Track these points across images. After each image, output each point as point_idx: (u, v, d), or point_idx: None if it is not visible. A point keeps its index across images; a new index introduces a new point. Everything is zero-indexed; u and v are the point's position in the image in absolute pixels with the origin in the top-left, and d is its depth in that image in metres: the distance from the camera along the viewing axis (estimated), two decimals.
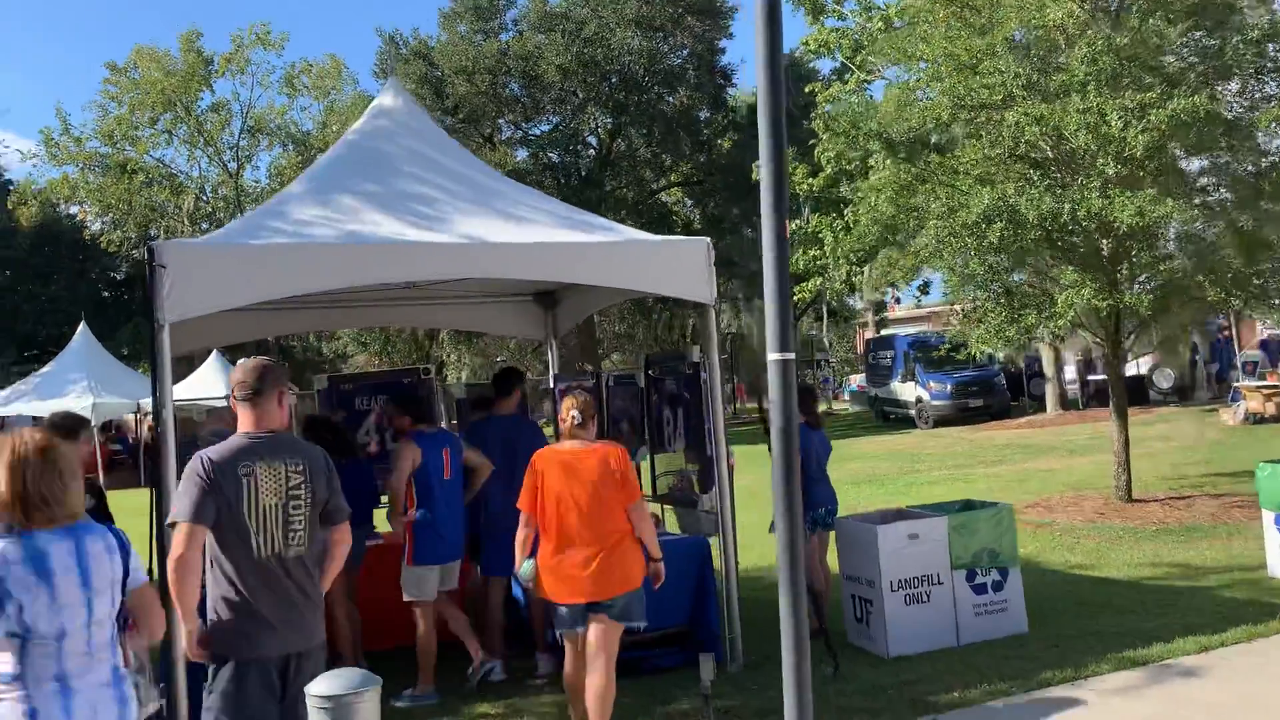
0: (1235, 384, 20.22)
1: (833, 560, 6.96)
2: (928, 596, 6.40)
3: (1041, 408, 26.00)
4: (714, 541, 6.63)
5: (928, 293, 35.16)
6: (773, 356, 4.48)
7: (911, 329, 34.31)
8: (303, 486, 3.66)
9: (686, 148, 30.41)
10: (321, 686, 2.92)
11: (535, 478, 4.97)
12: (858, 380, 40.72)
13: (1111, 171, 9.36)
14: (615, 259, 6.10)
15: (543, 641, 6.52)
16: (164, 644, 4.85)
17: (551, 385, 8.80)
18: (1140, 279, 9.33)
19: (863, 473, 16.21)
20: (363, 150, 6.51)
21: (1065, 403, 25.02)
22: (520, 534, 5.03)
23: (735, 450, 6.43)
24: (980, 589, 6.51)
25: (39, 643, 2.78)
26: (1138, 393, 25.38)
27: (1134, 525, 9.80)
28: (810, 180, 24.61)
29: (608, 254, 6.09)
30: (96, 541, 2.93)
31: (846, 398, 42.33)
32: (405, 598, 6.06)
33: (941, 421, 25.25)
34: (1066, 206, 9.17)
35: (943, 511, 6.84)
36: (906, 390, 27.01)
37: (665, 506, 7.38)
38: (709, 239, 6.36)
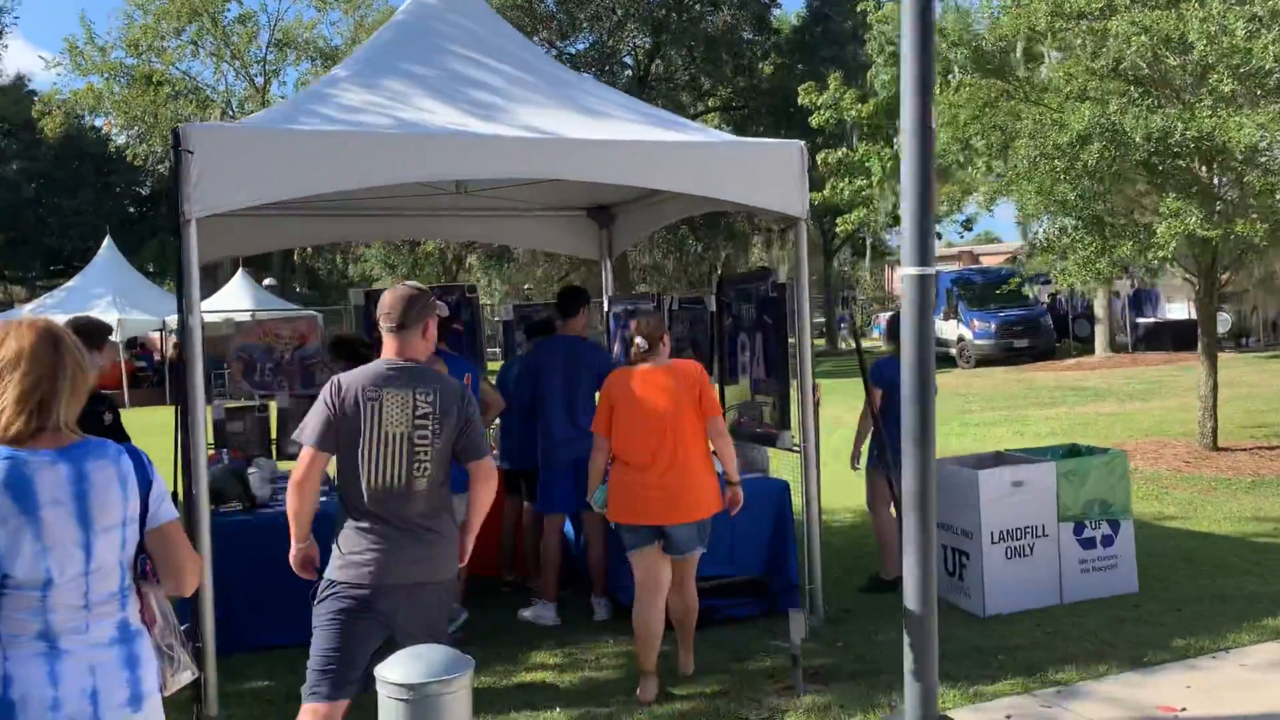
0: None
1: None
2: (1031, 550, 5.76)
3: (1087, 350, 25.18)
4: (791, 480, 6.02)
5: (971, 229, 34.23)
6: (910, 271, 3.79)
7: (944, 267, 33.33)
8: (429, 418, 3.48)
9: (728, 70, 29.27)
10: (398, 671, 2.29)
11: (609, 399, 4.71)
12: (884, 317, 39.90)
13: (1229, 89, 8.47)
14: (701, 162, 5.37)
15: (602, 585, 5.99)
16: (194, 599, 4.32)
17: (606, 309, 8.13)
18: (1253, 207, 8.47)
19: None
20: (413, 31, 5.76)
21: (1115, 345, 24.16)
22: (595, 459, 4.76)
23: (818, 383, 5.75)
24: (1089, 543, 5.86)
25: (16, 593, 2.17)
26: (1187, 337, 24.52)
27: (1226, 476, 9.12)
28: (860, 106, 23.57)
29: (693, 156, 5.36)
30: (105, 468, 2.28)
31: (876, 335, 41.54)
32: None
33: (984, 361, 24.48)
34: (1179, 125, 8.31)
35: (1047, 456, 6.17)
36: (948, 328, 26.17)
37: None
38: (803, 142, 5.61)
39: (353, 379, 3.51)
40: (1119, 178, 9.05)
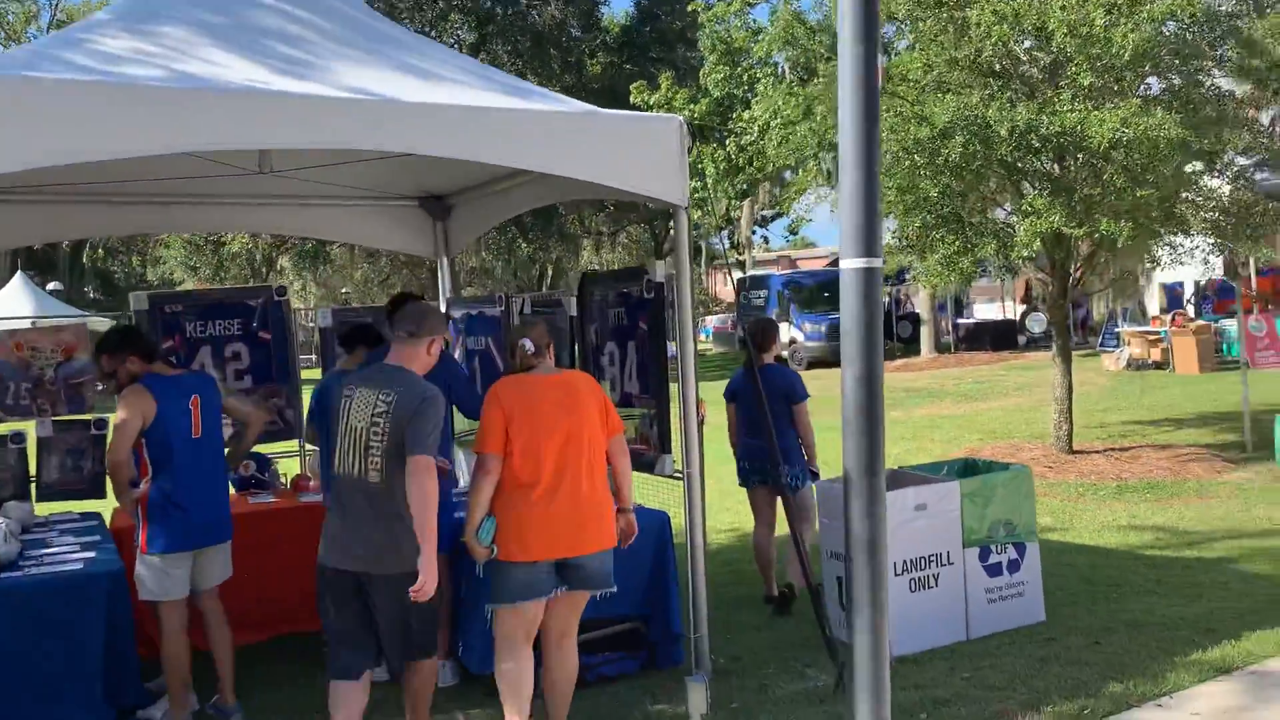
0: (1116, 329, 20.05)
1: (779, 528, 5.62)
2: (936, 580, 5.14)
3: (911, 350, 25.64)
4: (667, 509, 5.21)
5: (797, 232, 34.61)
6: (853, 263, 3.02)
7: (767, 271, 33.52)
8: (384, 417, 3.73)
9: (556, 66, 28.38)
10: None
11: (502, 410, 3.93)
12: (713, 320, 39.98)
13: (1087, 81, 8.22)
14: (564, 137, 4.46)
15: (445, 643, 5.03)
16: None
17: (445, 312, 7.10)
18: (1111, 204, 8.24)
19: None
20: None
21: (939, 345, 24.65)
22: (482, 485, 3.91)
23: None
24: (995, 570, 5.29)
25: None
26: (1005, 337, 25.33)
27: (1090, 481, 8.90)
28: (692, 106, 23.16)
29: (555, 129, 4.45)
30: None
31: (704, 337, 41.57)
32: (141, 596, 4.56)
33: (816, 363, 24.47)
34: (1043, 119, 7.99)
35: (944, 473, 5.58)
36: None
37: None
38: (682, 118, 4.80)
39: (345, 374, 4.22)
40: (979, 174, 8.69)
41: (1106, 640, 4.99)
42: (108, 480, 4.76)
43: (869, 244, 2.95)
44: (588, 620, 4.67)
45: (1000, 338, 24.94)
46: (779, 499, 6.00)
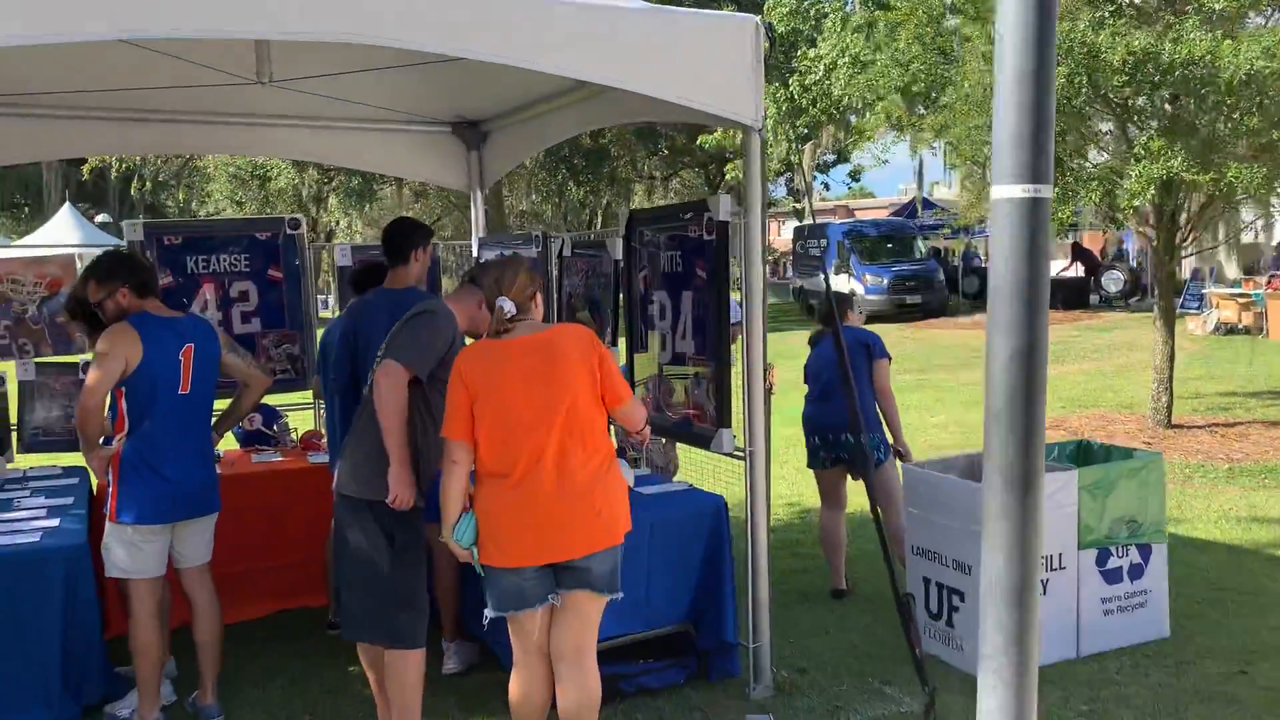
0: (1201, 290, 18.75)
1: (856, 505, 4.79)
2: (1044, 587, 4.31)
3: (977, 306, 24.43)
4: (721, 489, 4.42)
5: (859, 179, 33.28)
6: (1010, 191, 2.16)
7: (825, 220, 32.23)
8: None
9: None
10: None
11: (464, 387, 3.18)
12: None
13: (1220, 5, 7.13)
14: (629, 41, 3.62)
15: (452, 624, 4.38)
16: None
17: (475, 253, 6.32)
18: (1244, 147, 7.18)
19: None
20: None
21: None
22: (450, 478, 3.20)
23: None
24: (1113, 575, 4.44)
25: None
26: (1077, 296, 24.01)
27: (1197, 461, 7.93)
28: None
29: (620, 30, 3.60)
30: None
31: None
32: (108, 572, 3.92)
33: (875, 317, 23.33)
34: (1166, 47, 6.93)
35: (1054, 457, 4.72)
36: (838, 282, 25.05)
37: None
38: (758, 18, 3.92)
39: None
40: (1081, 112, 7.66)
41: (1255, 668, 4.13)
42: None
43: (1036, 163, 2.08)
44: (623, 634, 3.94)
45: (1072, 296, 23.63)
46: (851, 480, 5.20)
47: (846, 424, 4.92)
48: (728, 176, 25.10)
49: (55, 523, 4.20)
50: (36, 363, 5.50)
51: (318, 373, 4.99)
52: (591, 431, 3.18)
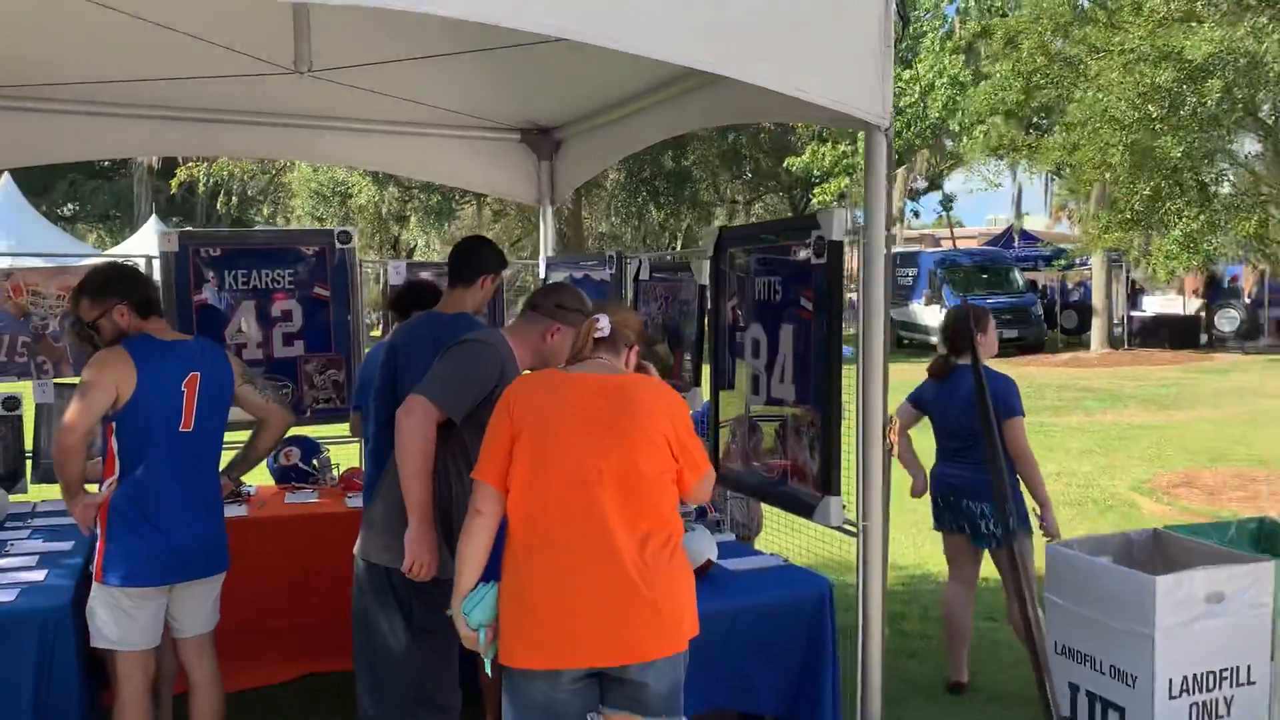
0: None
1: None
2: (1228, 707, 3.44)
3: (1074, 343, 23.14)
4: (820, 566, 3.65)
5: (950, 207, 32.10)
6: None
7: (915, 248, 31.03)
8: None
9: None
10: None
11: (507, 420, 2.56)
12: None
13: None
14: (739, 19, 2.91)
15: (497, 708, 3.68)
16: None
17: (542, 274, 5.67)
18: None
19: None
20: None
21: (1112, 339, 22.08)
22: (470, 531, 2.55)
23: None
24: None
25: None
26: (1186, 335, 22.56)
27: None
28: None
29: (728, 6, 2.90)
30: None
31: None
32: (93, 641, 3.30)
33: None
34: None
35: (1217, 538, 3.84)
36: (928, 314, 23.90)
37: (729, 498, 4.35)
38: None
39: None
40: (1234, 128, 6.72)
41: None
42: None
43: None
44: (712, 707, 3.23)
45: (1180, 335, 22.21)
46: (985, 552, 4.38)
47: (973, 490, 4.14)
48: (815, 201, 24.25)
49: (42, 575, 3.60)
50: (56, 384, 4.98)
51: (355, 406, 4.36)
52: (657, 503, 2.51)
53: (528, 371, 2.96)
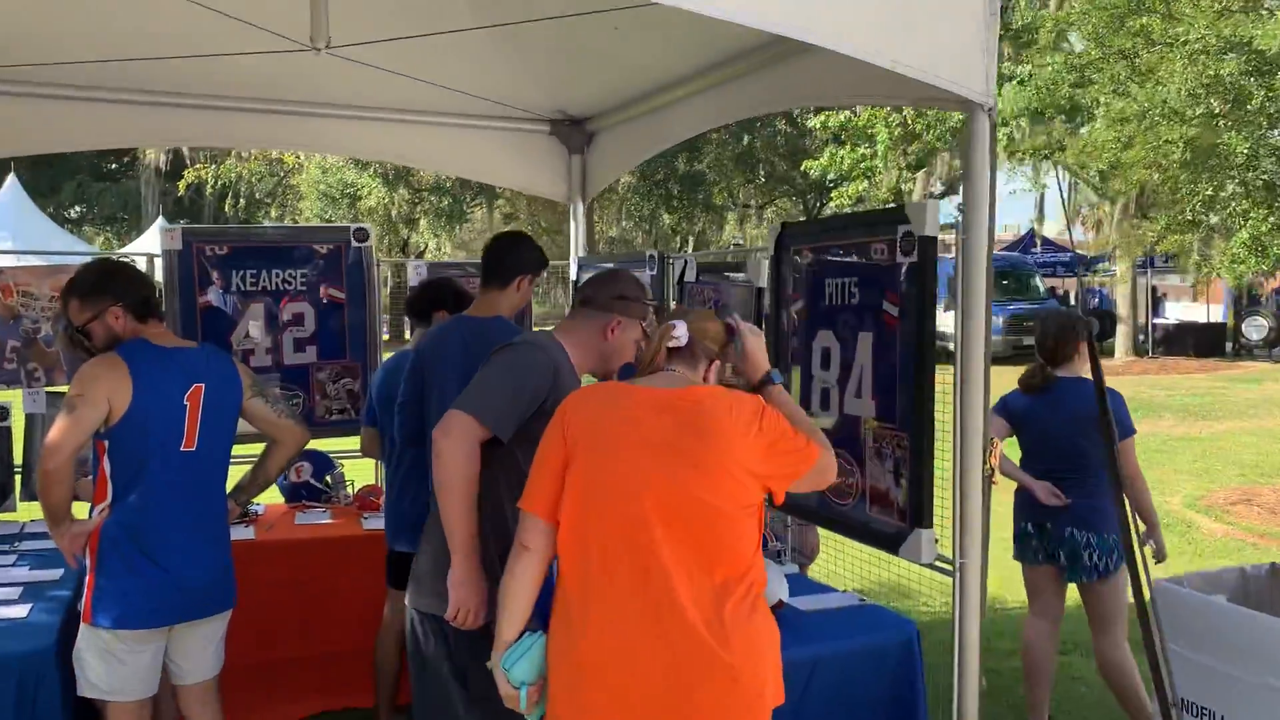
0: None
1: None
2: None
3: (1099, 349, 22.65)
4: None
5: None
6: None
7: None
8: None
9: None
10: None
11: (560, 439, 2.19)
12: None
13: None
14: None
15: None
16: None
17: (574, 276, 5.27)
18: None
19: None
20: None
21: (1136, 347, 21.60)
22: (515, 571, 2.19)
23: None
24: None
25: None
26: (1211, 343, 22.08)
27: None
28: None
29: None
30: None
31: None
32: (80, 690, 2.90)
33: (992, 360, 21.82)
34: None
35: None
36: (948, 320, 23.36)
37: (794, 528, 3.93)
38: None
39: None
40: None
41: None
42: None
43: None
44: None
45: (1205, 343, 21.73)
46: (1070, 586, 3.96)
47: (1076, 517, 3.74)
48: (832, 205, 23.82)
49: (24, 611, 3.21)
50: (49, 392, 4.59)
51: (367, 422, 3.96)
52: (734, 544, 2.10)
53: (590, 381, 2.57)
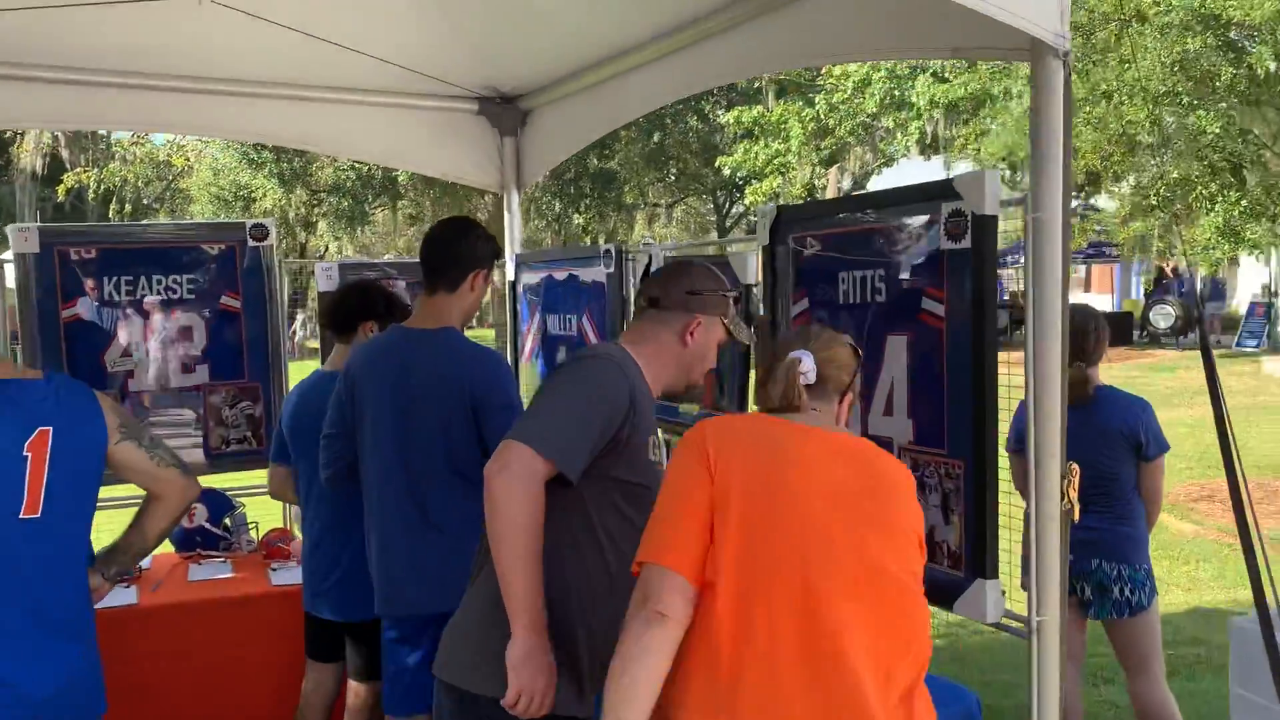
0: (1263, 324, 17.09)
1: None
2: None
3: (1006, 344, 22.77)
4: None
5: None
6: None
7: None
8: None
9: None
10: None
11: (704, 484, 1.73)
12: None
13: None
14: None
15: None
16: None
17: (511, 276, 4.61)
18: None
19: None
20: None
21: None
22: (651, 643, 1.65)
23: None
24: None
25: None
26: (1122, 333, 22.34)
27: None
28: None
29: None
30: None
31: None
32: None
33: None
34: None
35: None
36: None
37: None
38: None
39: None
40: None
41: None
42: None
43: None
44: None
45: (1115, 333, 21.94)
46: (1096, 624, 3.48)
47: (1105, 547, 3.26)
48: (748, 201, 23.49)
49: None
50: None
51: (276, 458, 3.26)
52: (922, 625, 1.79)
53: (705, 413, 2.10)
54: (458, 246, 2.63)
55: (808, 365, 1.89)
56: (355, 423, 2.62)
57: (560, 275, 4.24)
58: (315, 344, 6.36)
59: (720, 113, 23.37)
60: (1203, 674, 4.64)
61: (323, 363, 3.33)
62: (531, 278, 4.45)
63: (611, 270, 3.87)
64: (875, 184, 29.86)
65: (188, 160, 27.25)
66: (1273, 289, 17.31)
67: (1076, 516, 2.34)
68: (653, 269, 3.72)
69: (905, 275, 2.55)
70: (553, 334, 4.30)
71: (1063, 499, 2.29)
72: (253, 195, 24.20)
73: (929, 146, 20.60)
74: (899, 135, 20.23)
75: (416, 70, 4.06)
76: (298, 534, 4.10)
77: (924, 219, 2.48)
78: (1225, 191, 6.05)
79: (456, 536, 2.57)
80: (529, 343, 4.48)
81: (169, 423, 4.08)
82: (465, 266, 2.61)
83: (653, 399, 2.11)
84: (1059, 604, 2.29)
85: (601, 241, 33.17)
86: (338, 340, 3.13)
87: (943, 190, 2.41)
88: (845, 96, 19.75)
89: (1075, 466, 2.32)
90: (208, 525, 4.00)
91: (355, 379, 2.63)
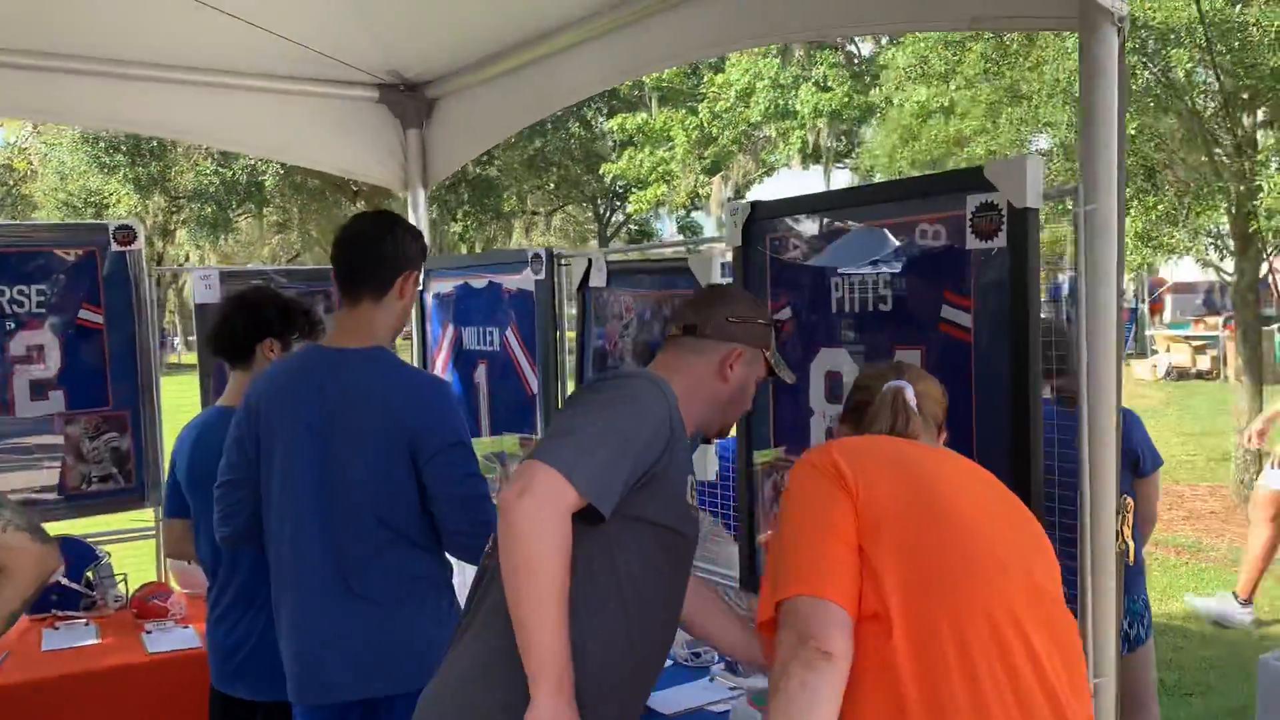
0: (1147, 332, 17.80)
1: None
2: None
3: None
4: None
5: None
6: None
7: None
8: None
9: None
10: None
11: (848, 509, 1.51)
12: None
13: None
14: None
15: None
16: None
17: (419, 286, 4.09)
18: None
19: None
20: None
21: None
22: (820, 689, 1.35)
23: None
24: None
25: None
26: None
27: None
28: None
29: None
30: None
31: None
32: None
33: None
34: None
35: None
36: None
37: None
38: None
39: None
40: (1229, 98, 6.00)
41: None
42: None
43: None
44: None
45: None
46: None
47: (1130, 577, 2.98)
48: (631, 211, 23.21)
49: None
50: None
51: (171, 513, 2.70)
52: (1080, 649, 1.59)
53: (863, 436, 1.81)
54: (381, 245, 2.16)
55: (911, 395, 1.75)
56: (260, 467, 2.13)
57: (478, 283, 3.77)
58: (175, 358, 5.70)
59: (602, 120, 23.06)
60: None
61: (215, 396, 2.79)
62: (443, 286, 3.97)
63: (541, 276, 3.43)
64: (756, 193, 30.08)
65: (30, 164, 25.38)
66: (1137, 293, 18.00)
67: (1132, 559, 2.04)
68: (593, 279, 3.31)
69: (918, 278, 2.21)
70: (469, 349, 3.84)
71: (1117, 538, 1.98)
72: (105, 201, 22.65)
73: (809, 156, 20.73)
74: (781, 144, 20.29)
75: (308, 46, 3.52)
76: (175, 586, 3.52)
77: (945, 214, 2.13)
78: (1142, 196, 6.03)
79: (387, 607, 2.12)
80: (440, 358, 4.00)
81: (17, 462, 3.44)
82: (392, 268, 2.15)
83: (687, 432, 1.75)
84: (1115, 664, 1.98)
85: (478, 251, 32.49)
86: (233, 369, 2.60)
87: (972, 180, 2.07)
88: (728, 105, 19.69)
89: (1129, 500, 2.01)
90: (65, 580, 3.37)
91: (259, 413, 2.13)
